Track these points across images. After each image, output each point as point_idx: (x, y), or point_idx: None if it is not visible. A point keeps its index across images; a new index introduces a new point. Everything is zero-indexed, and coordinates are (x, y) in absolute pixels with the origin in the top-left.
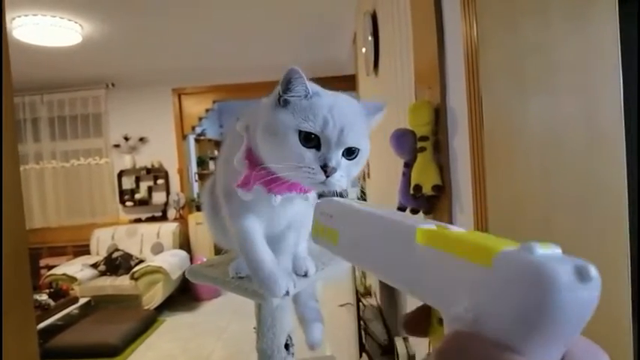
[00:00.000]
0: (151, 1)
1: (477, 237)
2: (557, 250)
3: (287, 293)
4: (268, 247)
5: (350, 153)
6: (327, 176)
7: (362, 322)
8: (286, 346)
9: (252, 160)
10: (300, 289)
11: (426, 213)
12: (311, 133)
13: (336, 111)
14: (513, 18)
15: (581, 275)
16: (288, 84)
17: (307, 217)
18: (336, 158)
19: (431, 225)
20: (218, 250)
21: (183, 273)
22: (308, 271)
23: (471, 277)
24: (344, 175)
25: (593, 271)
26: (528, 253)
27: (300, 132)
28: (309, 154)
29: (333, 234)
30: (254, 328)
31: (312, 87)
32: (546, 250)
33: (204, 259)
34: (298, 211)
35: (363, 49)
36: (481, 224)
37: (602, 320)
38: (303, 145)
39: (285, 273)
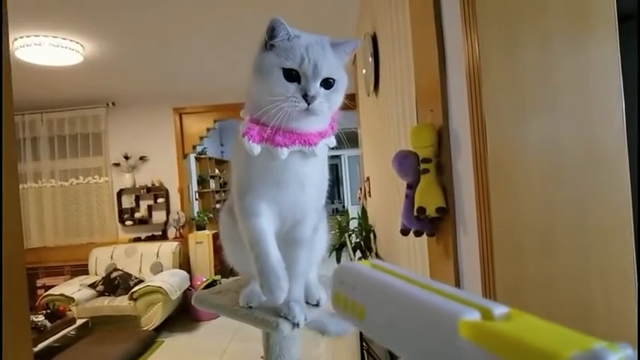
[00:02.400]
0: (152, 22)
1: (535, 335)
2: (628, 352)
3: (298, 325)
4: (283, 258)
5: (328, 84)
6: (309, 103)
7: (364, 343)
8: None
9: (255, 122)
10: (310, 319)
11: (429, 235)
12: (292, 70)
13: (311, 49)
14: (514, 40)
15: None
16: (272, 31)
17: (321, 184)
18: (315, 88)
19: (475, 314)
20: (218, 271)
21: (183, 293)
22: (320, 300)
23: None
24: (323, 101)
25: None
26: None
27: (283, 69)
28: (292, 86)
29: (358, 308)
30: (262, 357)
31: (294, 31)
32: (618, 355)
33: (204, 279)
34: (310, 174)
35: (364, 70)
36: (486, 246)
37: (612, 339)
38: (287, 80)
39: (299, 303)
